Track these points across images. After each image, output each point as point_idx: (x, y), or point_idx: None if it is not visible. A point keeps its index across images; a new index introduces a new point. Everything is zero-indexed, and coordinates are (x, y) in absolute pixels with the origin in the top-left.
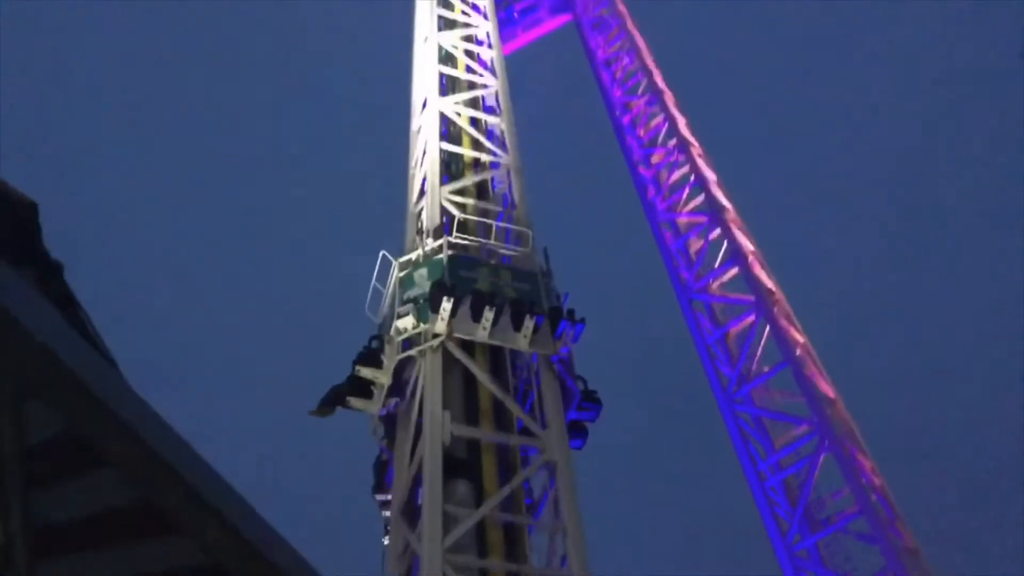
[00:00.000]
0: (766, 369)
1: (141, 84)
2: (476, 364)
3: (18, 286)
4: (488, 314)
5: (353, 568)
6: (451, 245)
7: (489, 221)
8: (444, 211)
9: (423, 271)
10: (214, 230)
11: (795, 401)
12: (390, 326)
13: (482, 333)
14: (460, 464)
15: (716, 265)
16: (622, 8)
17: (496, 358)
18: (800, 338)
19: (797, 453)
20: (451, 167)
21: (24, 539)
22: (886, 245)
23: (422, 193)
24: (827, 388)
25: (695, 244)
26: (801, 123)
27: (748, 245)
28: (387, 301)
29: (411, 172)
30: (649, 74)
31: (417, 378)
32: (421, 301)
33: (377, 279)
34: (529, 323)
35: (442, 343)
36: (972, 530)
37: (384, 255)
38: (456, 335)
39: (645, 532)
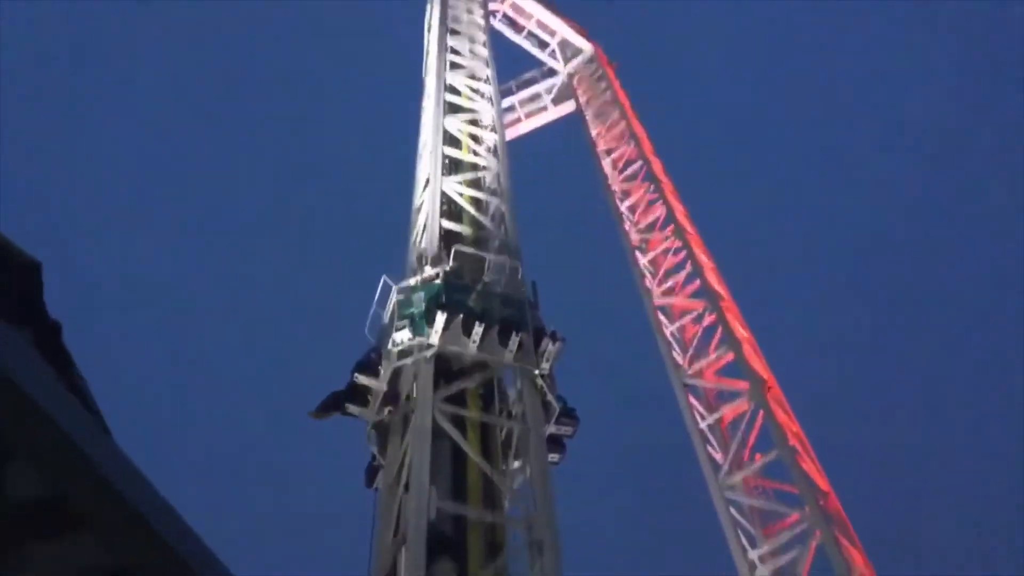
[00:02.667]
0: (758, 457)
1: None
2: (467, 442)
3: (15, 344)
4: (477, 329)
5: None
6: (446, 273)
7: (483, 254)
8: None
9: (420, 294)
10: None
11: (787, 490)
12: (388, 340)
13: (471, 347)
14: (445, 541)
15: (710, 351)
16: (623, 98)
17: (487, 435)
18: (793, 427)
19: (788, 544)
20: (450, 244)
21: None
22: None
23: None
24: (820, 479)
25: (690, 330)
26: (801, 200)
27: (742, 332)
28: (386, 320)
29: (412, 242)
30: (648, 163)
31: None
32: (417, 317)
33: (377, 303)
34: (515, 339)
35: (432, 410)
36: None
37: (385, 280)
38: (448, 347)
39: None
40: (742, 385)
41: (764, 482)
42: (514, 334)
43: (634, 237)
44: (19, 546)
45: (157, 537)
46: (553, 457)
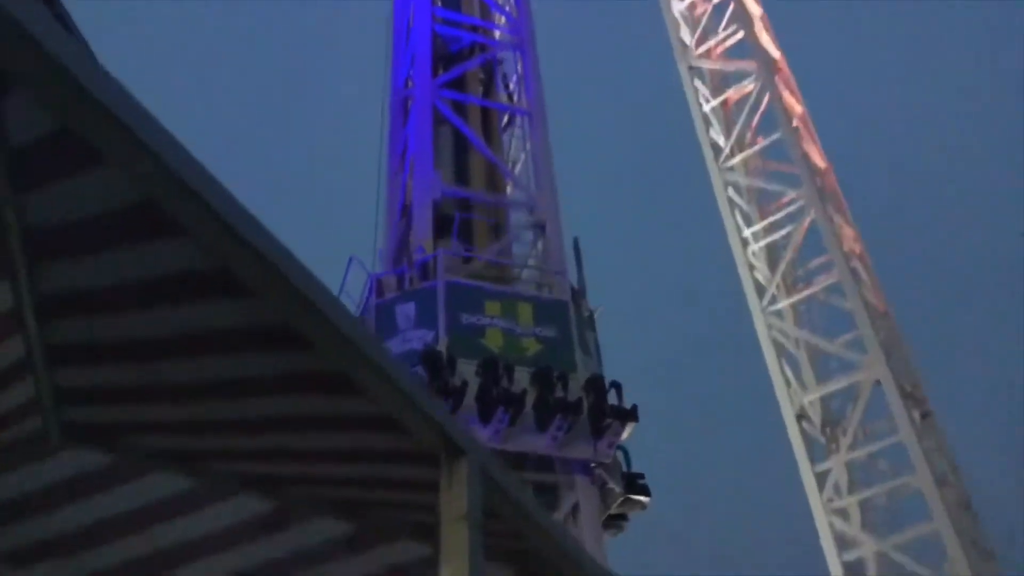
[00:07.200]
0: (761, 139)
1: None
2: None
3: None
4: (500, 415)
5: None
6: (451, 263)
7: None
8: (438, 206)
9: (410, 308)
10: None
11: (787, 171)
12: None
13: (492, 439)
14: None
15: (720, 29)
16: None
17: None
18: (799, 108)
19: (782, 221)
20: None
21: (20, 239)
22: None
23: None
24: (819, 159)
25: (699, 7)
26: None
27: (755, 8)
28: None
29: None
30: None
31: None
32: None
33: (345, 289)
34: (559, 424)
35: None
36: None
37: (355, 261)
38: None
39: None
40: (749, 65)
41: (765, 163)
42: (559, 417)
43: None
44: (35, 188)
45: (170, 170)
46: (612, 532)
